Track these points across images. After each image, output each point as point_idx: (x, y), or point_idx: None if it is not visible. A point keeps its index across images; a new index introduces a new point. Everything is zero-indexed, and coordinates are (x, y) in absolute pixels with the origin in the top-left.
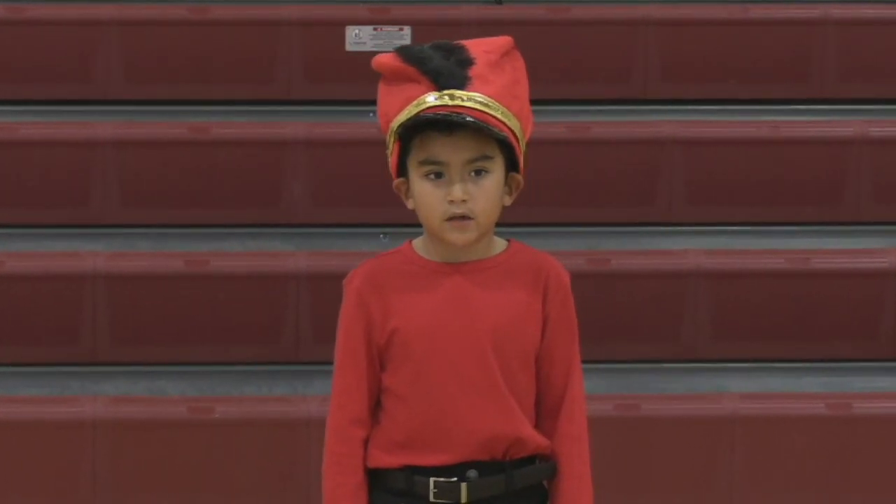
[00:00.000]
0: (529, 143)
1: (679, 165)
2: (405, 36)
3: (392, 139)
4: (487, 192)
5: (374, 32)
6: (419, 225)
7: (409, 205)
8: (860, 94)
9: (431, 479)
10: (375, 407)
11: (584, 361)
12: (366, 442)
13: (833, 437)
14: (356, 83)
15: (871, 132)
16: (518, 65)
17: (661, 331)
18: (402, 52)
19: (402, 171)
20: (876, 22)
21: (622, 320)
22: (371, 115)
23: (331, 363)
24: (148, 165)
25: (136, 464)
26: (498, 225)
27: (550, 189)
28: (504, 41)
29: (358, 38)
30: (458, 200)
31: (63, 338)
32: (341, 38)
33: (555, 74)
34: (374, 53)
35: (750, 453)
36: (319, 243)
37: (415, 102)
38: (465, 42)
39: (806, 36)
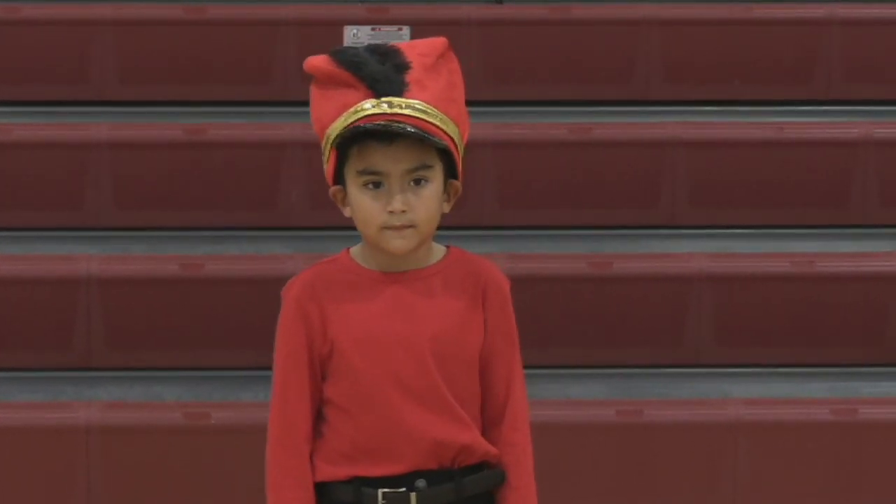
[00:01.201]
0: (530, 146)
1: (682, 167)
2: (404, 36)
3: (328, 147)
4: (427, 202)
5: (373, 32)
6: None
7: (346, 213)
8: (865, 94)
9: (380, 491)
10: (317, 419)
11: (585, 366)
12: (311, 455)
13: (838, 443)
14: None
15: (876, 133)
16: (453, 66)
17: (664, 335)
18: (336, 55)
19: (339, 178)
20: (881, 22)
21: (624, 324)
22: None
23: None
24: (143, 167)
25: (131, 470)
26: (498, 228)
27: (551, 191)
28: (439, 42)
29: (356, 38)
30: (398, 211)
31: (57, 342)
32: (339, 39)
33: (555, 75)
34: None
35: (754, 459)
36: (317, 246)
37: (352, 110)
38: (399, 44)
39: (810, 36)
